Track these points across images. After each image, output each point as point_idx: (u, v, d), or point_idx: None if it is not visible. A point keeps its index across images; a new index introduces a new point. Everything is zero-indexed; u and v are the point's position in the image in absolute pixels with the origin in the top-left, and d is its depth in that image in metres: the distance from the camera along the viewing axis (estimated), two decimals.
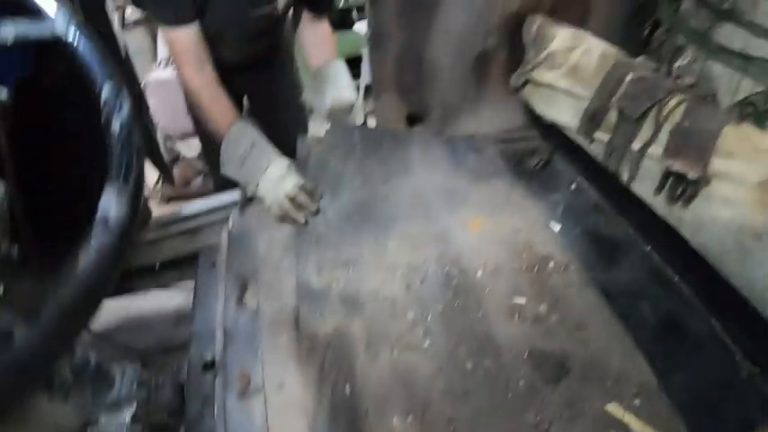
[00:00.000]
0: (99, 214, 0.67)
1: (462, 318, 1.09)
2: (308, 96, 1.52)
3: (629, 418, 0.95)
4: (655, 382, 1.02)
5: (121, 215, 0.68)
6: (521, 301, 1.14)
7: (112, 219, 0.67)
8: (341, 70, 1.44)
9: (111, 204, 0.68)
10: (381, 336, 1.06)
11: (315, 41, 1.53)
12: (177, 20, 1.18)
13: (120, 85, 0.81)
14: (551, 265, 1.22)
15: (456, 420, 0.90)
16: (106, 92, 0.79)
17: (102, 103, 0.78)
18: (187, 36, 1.20)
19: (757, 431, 0.93)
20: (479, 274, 1.19)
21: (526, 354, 1.02)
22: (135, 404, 1.00)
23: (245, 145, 1.10)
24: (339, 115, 1.40)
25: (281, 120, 1.93)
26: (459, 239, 1.27)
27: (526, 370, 0.98)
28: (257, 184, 1.09)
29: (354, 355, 1.02)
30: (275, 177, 1.07)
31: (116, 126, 0.76)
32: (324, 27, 1.53)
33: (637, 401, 0.97)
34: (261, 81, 1.81)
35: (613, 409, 0.97)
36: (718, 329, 1.11)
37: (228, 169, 1.14)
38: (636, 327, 1.10)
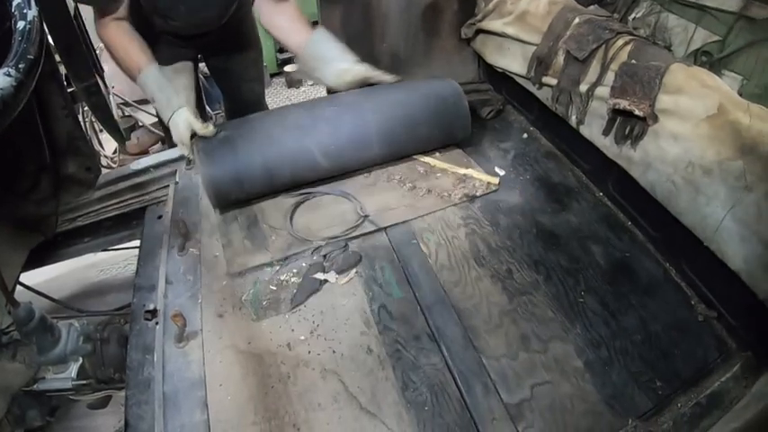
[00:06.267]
0: None
1: None
2: (302, 70, 1.39)
3: (430, 160, 1.35)
4: None
5: (5, 87, 0.78)
6: None
7: None
8: (330, 41, 1.35)
9: None
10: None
11: (287, 22, 1.41)
12: None
13: None
14: None
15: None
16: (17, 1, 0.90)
17: (12, 9, 0.90)
18: None
19: None
20: None
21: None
22: (81, 359, 1.00)
23: (151, 92, 1.25)
24: (351, 82, 1.33)
25: (238, 89, 1.89)
26: None
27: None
28: (167, 122, 1.25)
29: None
30: (176, 122, 1.23)
31: (20, 25, 0.87)
32: (290, 6, 1.42)
33: (437, 153, 1.37)
34: (220, 53, 1.76)
35: (419, 157, 1.37)
36: (672, 273, 1.08)
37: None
38: (589, 270, 1.07)
